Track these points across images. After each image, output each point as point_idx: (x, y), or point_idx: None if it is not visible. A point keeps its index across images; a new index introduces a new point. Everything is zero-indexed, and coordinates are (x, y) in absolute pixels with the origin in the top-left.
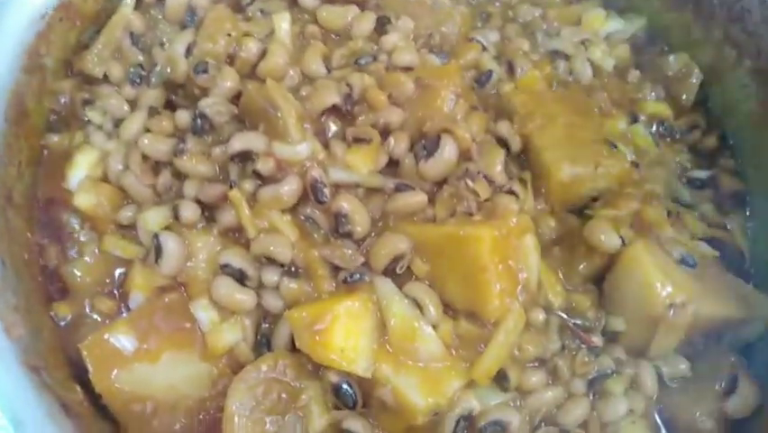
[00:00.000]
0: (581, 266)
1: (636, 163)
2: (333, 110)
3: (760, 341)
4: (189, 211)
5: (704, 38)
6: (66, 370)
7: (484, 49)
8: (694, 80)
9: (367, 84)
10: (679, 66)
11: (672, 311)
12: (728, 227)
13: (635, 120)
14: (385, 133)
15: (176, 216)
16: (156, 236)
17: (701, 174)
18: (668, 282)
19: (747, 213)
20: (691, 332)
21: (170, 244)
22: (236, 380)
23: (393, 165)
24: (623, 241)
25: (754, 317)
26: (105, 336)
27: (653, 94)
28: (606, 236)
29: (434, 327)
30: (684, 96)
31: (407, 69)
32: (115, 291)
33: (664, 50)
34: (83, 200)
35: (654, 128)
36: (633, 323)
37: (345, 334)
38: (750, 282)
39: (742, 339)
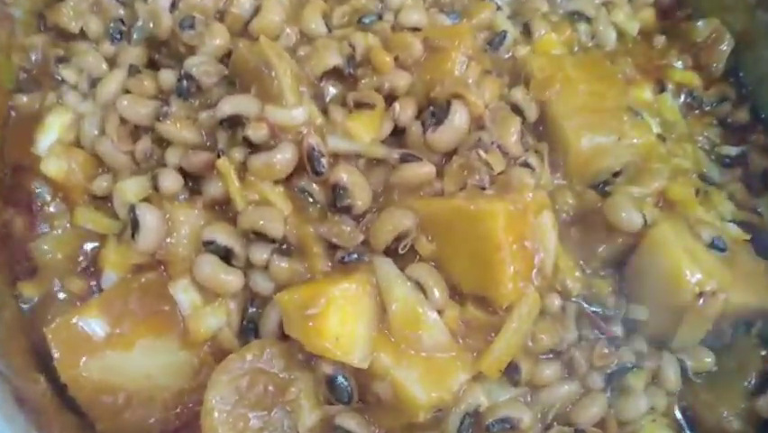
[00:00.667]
0: (601, 248)
1: (663, 136)
2: (334, 72)
3: None
4: (170, 181)
5: (735, 2)
6: (27, 357)
7: (498, 8)
8: (725, 47)
9: (371, 44)
10: (708, 32)
11: (701, 300)
12: (759, 210)
13: (661, 89)
14: (390, 98)
15: (155, 187)
16: (132, 208)
17: (731, 151)
18: (697, 268)
19: None
20: (719, 323)
21: (148, 217)
22: (218, 371)
23: (398, 134)
24: (645, 220)
25: None
26: (74, 320)
27: (679, 62)
28: (627, 215)
29: (440, 312)
30: (714, 65)
31: (415, 30)
32: (88, 270)
33: (692, 14)
34: (53, 167)
35: (682, 99)
36: (656, 312)
37: (341, 319)
38: None
39: None
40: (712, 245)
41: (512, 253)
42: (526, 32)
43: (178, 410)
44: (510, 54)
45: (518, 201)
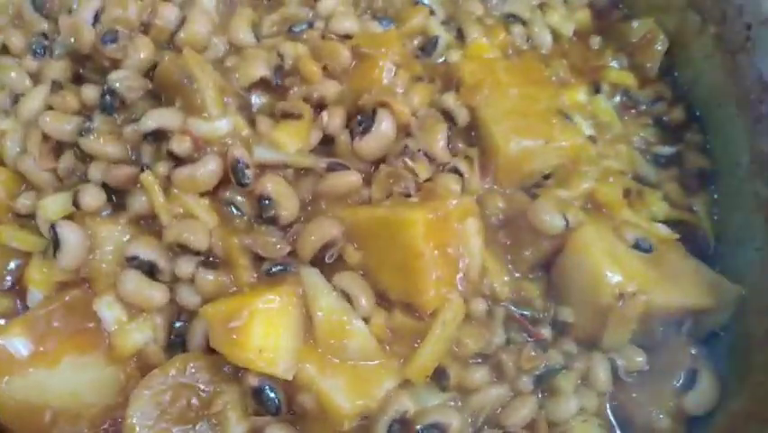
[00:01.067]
0: (528, 252)
1: (594, 138)
2: (262, 83)
3: (724, 331)
4: (90, 197)
5: (667, 2)
6: None
7: (432, 13)
8: (659, 47)
9: (300, 54)
10: (643, 32)
11: (621, 302)
12: (694, 209)
13: (596, 90)
14: (319, 107)
15: (76, 204)
16: (53, 226)
17: (666, 150)
18: (618, 270)
19: (715, 195)
20: (647, 322)
21: (69, 235)
22: (139, 386)
23: (329, 143)
24: (567, 223)
25: (718, 305)
26: None
27: (615, 62)
28: (549, 217)
29: (366, 320)
30: (649, 65)
31: (346, 37)
32: (14, 288)
33: (628, 15)
34: None
35: (618, 99)
36: (582, 314)
37: (264, 332)
38: (716, 268)
39: (705, 328)
40: (636, 246)
41: (433, 260)
42: (461, 36)
43: (107, 426)
44: (444, 59)
45: (440, 208)
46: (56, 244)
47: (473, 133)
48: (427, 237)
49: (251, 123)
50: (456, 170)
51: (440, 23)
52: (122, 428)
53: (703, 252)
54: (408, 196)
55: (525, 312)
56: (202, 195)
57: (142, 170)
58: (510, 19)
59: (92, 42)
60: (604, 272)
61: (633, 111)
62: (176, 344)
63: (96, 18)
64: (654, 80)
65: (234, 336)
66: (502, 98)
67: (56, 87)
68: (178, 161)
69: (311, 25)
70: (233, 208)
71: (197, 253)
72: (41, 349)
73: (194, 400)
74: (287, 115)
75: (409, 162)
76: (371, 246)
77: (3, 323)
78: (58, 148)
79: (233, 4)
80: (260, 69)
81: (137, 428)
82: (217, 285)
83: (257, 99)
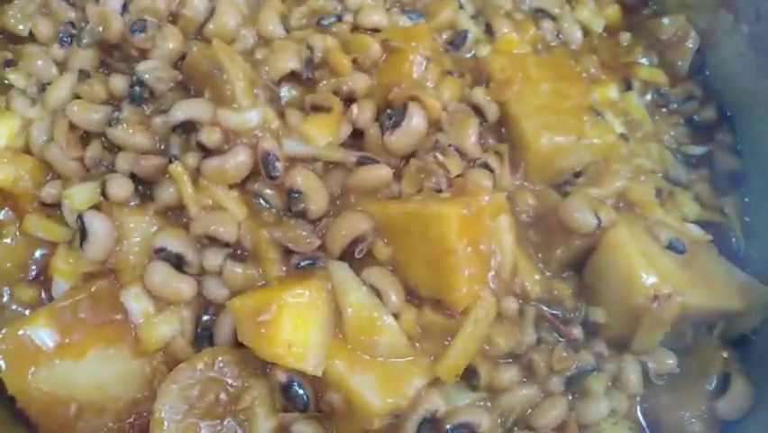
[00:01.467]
0: (559, 250)
1: (625, 136)
2: (292, 75)
3: (755, 334)
4: (119, 187)
5: (699, 1)
6: None
7: (461, 7)
8: (690, 45)
9: (330, 46)
10: (674, 29)
11: (656, 303)
12: (725, 210)
13: (627, 87)
14: (350, 100)
15: (104, 194)
16: (80, 216)
17: (697, 150)
18: (652, 271)
19: (746, 197)
20: (679, 324)
21: (96, 224)
22: (167, 380)
23: (359, 136)
24: (599, 222)
25: (750, 307)
26: (21, 331)
27: (645, 59)
28: (580, 216)
29: (396, 316)
30: (679, 63)
31: (375, 31)
32: (40, 278)
33: (657, 11)
34: (0, 175)
35: (649, 97)
36: (615, 314)
37: (293, 326)
38: (746, 270)
39: (736, 331)
40: (670, 247)
41: (466, 257)
42: (490, 31)
43: (132, 420)
44: (472, 53)
45: (472, 204)
46: (83, 234)
47: (503, 129)
48: (461, 233)
49: (281, 115)
50: (487, 166)
51: (469, 17)
52: (150, 422)
53: (733, 254)
54: (440, 191)
55: (557, 312)
56: (231, 187)
57: (171, 161)
58: (539, 14)
59: (120, 32)
60: (639, 273)
61: (663, 110)
62: (203, 337)
63: (125, 7)
64: (685, 79)
65: (263, 331)
66: (533, 94)
67: (83, 76)
68: (207, 152)
69: (339, 18)
70: (263, 201)
71: (226, 246)
72: (67, 340)
73: (222, 395)
74: (316, 108)
75: (440, 157)
76: (402, 242)
77: (28, 313)
78: (85, 137)
79: None
80: (290, 61)
81: (165, 423)
82: (246, 278)
83: (286, 92)
